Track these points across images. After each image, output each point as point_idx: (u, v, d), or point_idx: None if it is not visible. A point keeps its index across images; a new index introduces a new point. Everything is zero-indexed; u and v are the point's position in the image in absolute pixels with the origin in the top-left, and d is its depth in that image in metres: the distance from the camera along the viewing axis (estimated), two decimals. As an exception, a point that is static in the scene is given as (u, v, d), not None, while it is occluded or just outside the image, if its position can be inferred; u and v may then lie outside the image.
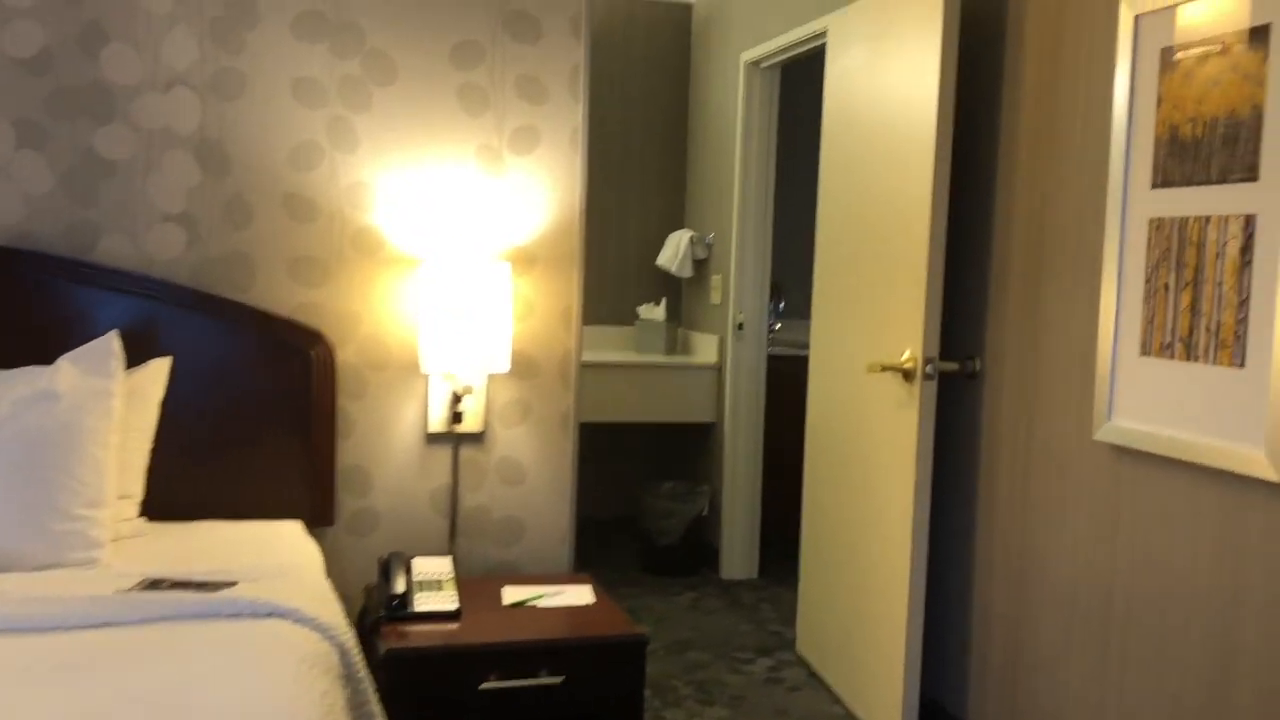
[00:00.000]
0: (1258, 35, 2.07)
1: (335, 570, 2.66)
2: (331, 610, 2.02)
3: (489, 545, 2.76)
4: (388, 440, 2.68)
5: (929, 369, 2.85)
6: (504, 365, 2.57)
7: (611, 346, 5.32)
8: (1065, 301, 2.59)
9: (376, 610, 2.42)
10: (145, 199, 2.52)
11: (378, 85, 2.61)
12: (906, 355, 2.90)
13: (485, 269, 2.54)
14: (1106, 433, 2.43)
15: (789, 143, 5.19)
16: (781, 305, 5.49)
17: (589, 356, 4.86)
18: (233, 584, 2.01)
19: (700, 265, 5.04)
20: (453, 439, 2.71)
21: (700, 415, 4.85)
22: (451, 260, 2.55)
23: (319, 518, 2.62)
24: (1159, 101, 2.31)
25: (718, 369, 4.80)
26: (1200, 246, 2.20)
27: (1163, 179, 2.30)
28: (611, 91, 5.25)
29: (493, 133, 2.67)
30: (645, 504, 4.71)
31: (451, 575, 2.52)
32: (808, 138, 4.65)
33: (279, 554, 2.28)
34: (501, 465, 2.74)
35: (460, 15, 2.63)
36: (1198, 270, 2.20)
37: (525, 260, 2.72)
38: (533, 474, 2.76)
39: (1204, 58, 2.19)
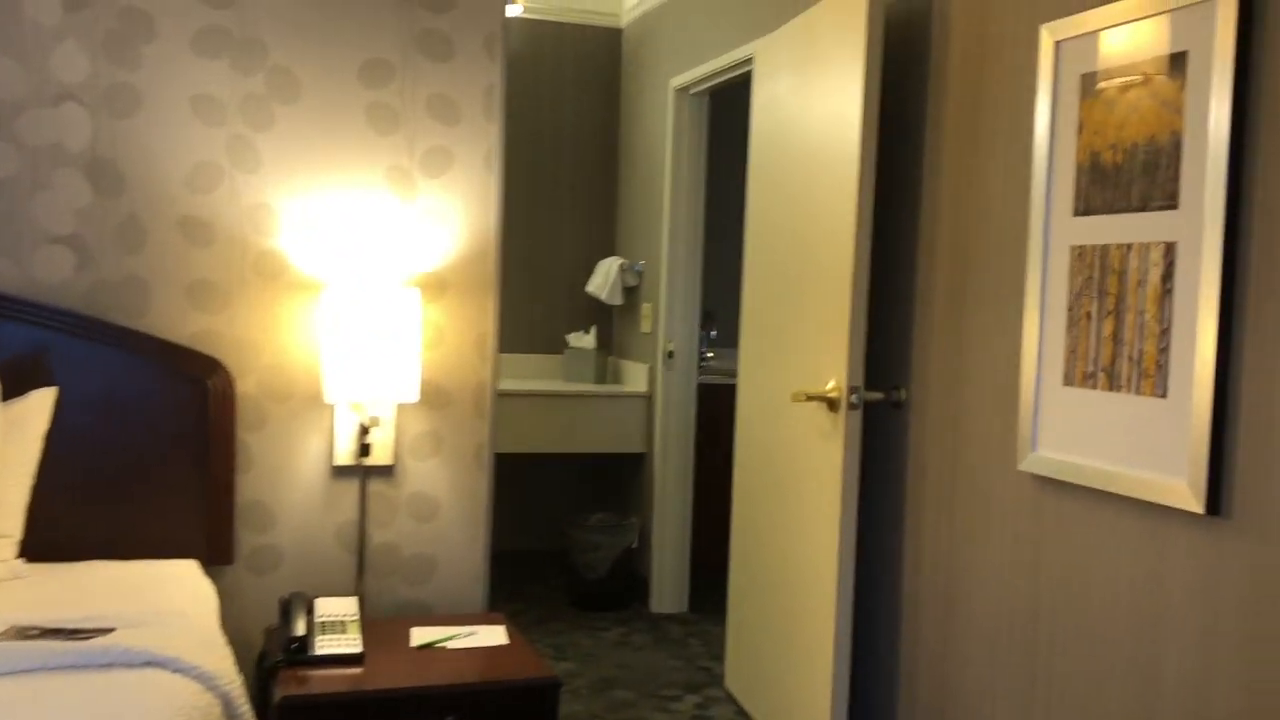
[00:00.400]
0: (1176, 62, 2.05)
1: (234, 611, 2.52)
2: (218, 657, 1.89)
3: (398, 584, 2.64)
4: (291, 474, 2.56)
5: (854, 399, 2.79)
6: (413, 395, 2.46)
7: (540, 375, 5.23)
8: (989, 330, 2.55)
9: (275, 654, 2.29)
10: (31, 220, 2.38)
11: (282, 103, 2.51)
12: (831, 384, 2.84)
13: (393, 295, 2.44)
14: (1030, 463, 2.38)
15: (721, 169, 5.15)
16: (713, 333, 5.43)
17: (516, 385, 4.75)
18: (110, 630, 1.88)
19: (631, 293, 4.97)
20: (360, 472, 2.59)
21: (630, 445, 4.77)
22: (358, 285, 2.44)
23: (217, 556, 2.48)
24: (1080, 128, 2.28)
25: (648, 398, 4.73)
26: (1122, 274, 2.17)
27: (1084, 206, 2.27)
28: (541, 115, 5.18)
29: (403, 153, 2.58)
30: (573, 536, 4.61)
31: (356, 616, 2.39)
32: (739, 164, 4.62)
33: (167, 596, 2.15)
34: (412, 500, 2.63)
35: (369, 32, 2.54)
36: (1120, 299, 2.17)
37: (437, 286, 2.62)
38: (445, 509, 2.65)
39: (1124, 84, 2.17)
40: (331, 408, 2.57)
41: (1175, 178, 2.04)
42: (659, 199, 4.66)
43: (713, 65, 4.14)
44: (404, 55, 2.56)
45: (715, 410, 4.69)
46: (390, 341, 2.43)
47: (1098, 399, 2.22)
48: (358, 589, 2.59)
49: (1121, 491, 2.13)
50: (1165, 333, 2.06)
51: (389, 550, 2.62)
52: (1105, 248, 2.21)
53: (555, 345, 5.22)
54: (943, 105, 2.73)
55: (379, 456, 2.59)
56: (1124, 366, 2.15)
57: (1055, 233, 2.35)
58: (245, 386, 2.52)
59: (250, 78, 2.48)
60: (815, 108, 3.01)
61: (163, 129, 2.44)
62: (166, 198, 2.45)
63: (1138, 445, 2.12)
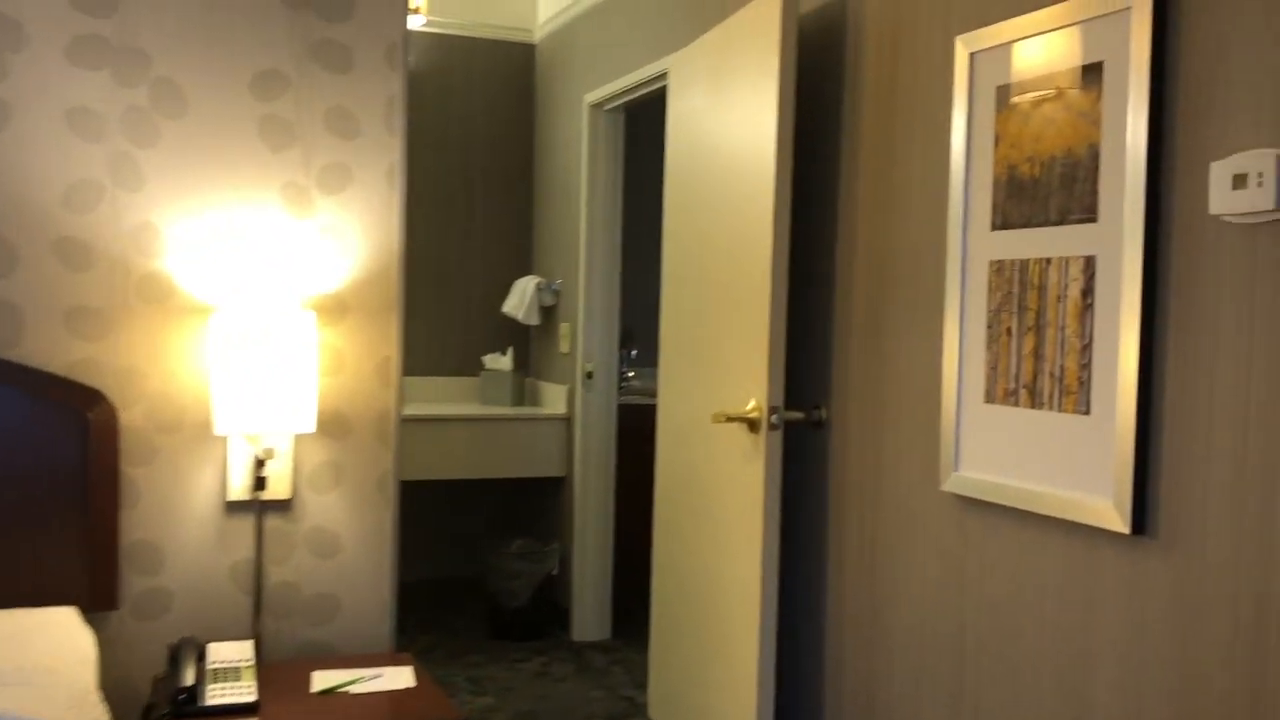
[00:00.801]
0: (1091, 73, 2.01)
1: (118, 661, 2.35)
2: (89, 717, 1.73)
3: (299, 625, 2.49)
4: (181, 511, 2.40)
5: (774, 419, 2.72)
6: (309, 424, 2.33)
7: (455, 399, 5.08)
8: (909, 348, 2.50)
9: (162, 706, 2.13)
10: (-112, 242, 2.20)
11: (167, 117, 2.36)
12: (751, 405, 2.77)
13: (288, 318, 2.30)
14: (953, 483, 2.33)
15: (640, 186, 5.07)
16: (634, 353, 5.34)
17: (430, 410, 4.61)
18: (-33, 691, 1.71)
19: (548, 312, 4.86)
20: (256, 507, 2.44)
21: (549, 469, 4.65)
22: (250, 309, 2.30)
23: (99, 601, 2.31)
24: (996, 141, 2.24)
25: (567, 420, 4.61)
26: (1042, 289, 2.12)
27: (1002, 220, 2.22)
28: (454, 132, 5.06)
29: (299, 169, 2.44)
30: (492, 564, 4.47)
31: (252, 662, 2.24)
32: (658, 180, 4.54)
33: (35, 650, 1.97)
34: (312, 535, 2.48)
35: (261, 42, 2.41)
36: (1040, 314, 2.12)
37: (336, 309, 2.48)
38: (348, 544, 2.51)
39: (1040, 97, 2.13)
40: (224, 439, 2.42)
41: (1094, 190, 2.00)
42: (575, 217, 4.56)
43: (627, 80, 4.07)
44: (299, 66, 2.43)
45: (636, 431, 4.60)
46: (285, 368, 2.29)
47: (1020, 417, 2.17)
48: (254, 632, 2.43)
49: (1046, 511, 2.08)
50: (1087, 348, 2.02)
51: (288, 589, 2.47)
52: (1024, 262, 2.16)
53: (471, 367, 5.09)
54: (859, 118, 2.68)
55: (276, 490, 2.44)
56: (1045, 383, 2.11)
57: (973, 247, 2.30)
58: (130, 418, 2.36)
59: (132, 90, 2.33)
60: (730, 122, 2.94)
61: (35, 144, 2.27)
62: (40, 218, 2.28)
63: (1061, 464, 2.07)
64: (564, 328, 4.67)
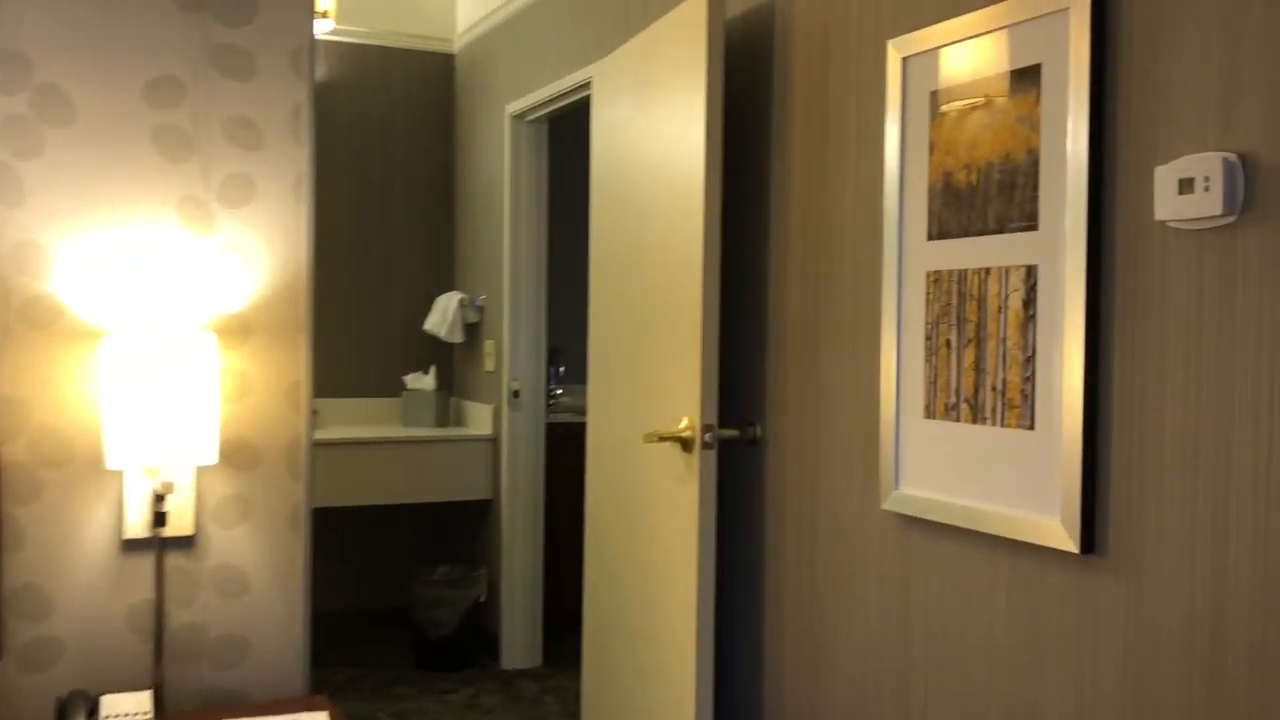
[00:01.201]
0: (1029, 76, 1.94)
1: (1, 717, 2.16)
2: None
3: (205, 670, 2.31)
4: (71, 551, 2.21)
5: (708, 438, 2.62)
6: (211, 455, 2.16)
7: (376, 420, 4.91)
8: (845, 362, 2.41)
9: (51, 767, 1.95)
10: None
11: (52, 126, 2.19)
12: (684, 423, 2.66)
13: (187, 342, 2.14)
14: (894, 502, 2.24)
15: (565, 198, 4.96)
16: (561, 369, 5.22)
17: (350, 433, 4.44)
18: None
19: (472, 329, 4.71)
20: (156, 545, 2.26)
21: (475, 492, 4.49)
22: (146, 332, 2.14)
23: (-19, 653, 2.12)
24: (931, 148, 2.17)
25: (493, 441, 4.47)
26: (981, 301, 2.05)
27: (939, 230, 2.15)
28: (371, 145, 4.90)
29: (198, 182, 2.28)
30: (417, 592, 4.30)
31: (150, 713, 2.07)
32: (584, 193, 4.44)
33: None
34: (218, 574, 2.32)
35: (155, 46, 2.25)
36: (980, 326, 2.05)
37: (240, 330, 2.32)
38: (257, 582, 2.34)
39: (974, 101, 2.06)
40: (119, 473, 2.24)
41: (1034, 197, 1.94)
42: (499, 230, 4.43)
43: (550, 90, 3.95)
44: (196, 72, 2.27)
45: (566, 451, 4.47)
46: (185, 395, 2.13)
47: (961, 432, 2.09)
48: (155, 680, 2.25)
49: (992, 530, 2.00)
50: (1029, 360, 1.95)
51: (192, 632, 2.30)
52: (963, 272, 2.09)
53: (392, 388, 4.92)
54: (790, 127, 2.60)
55: (177, 526, 2.27)
56: (987, 397, 2.03)
57: (910, 258, 2.22)
58: (13, 452, 2.17)
59: (12, 97, 2.16)
60: (657, 132, 2.85)
61: (-97, 156, 2.09)
62: (-91, 236, 2.09)
63: (1006, 481, 1.99)
64: (489, 345, 4.53)
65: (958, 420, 2.10)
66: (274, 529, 2.35)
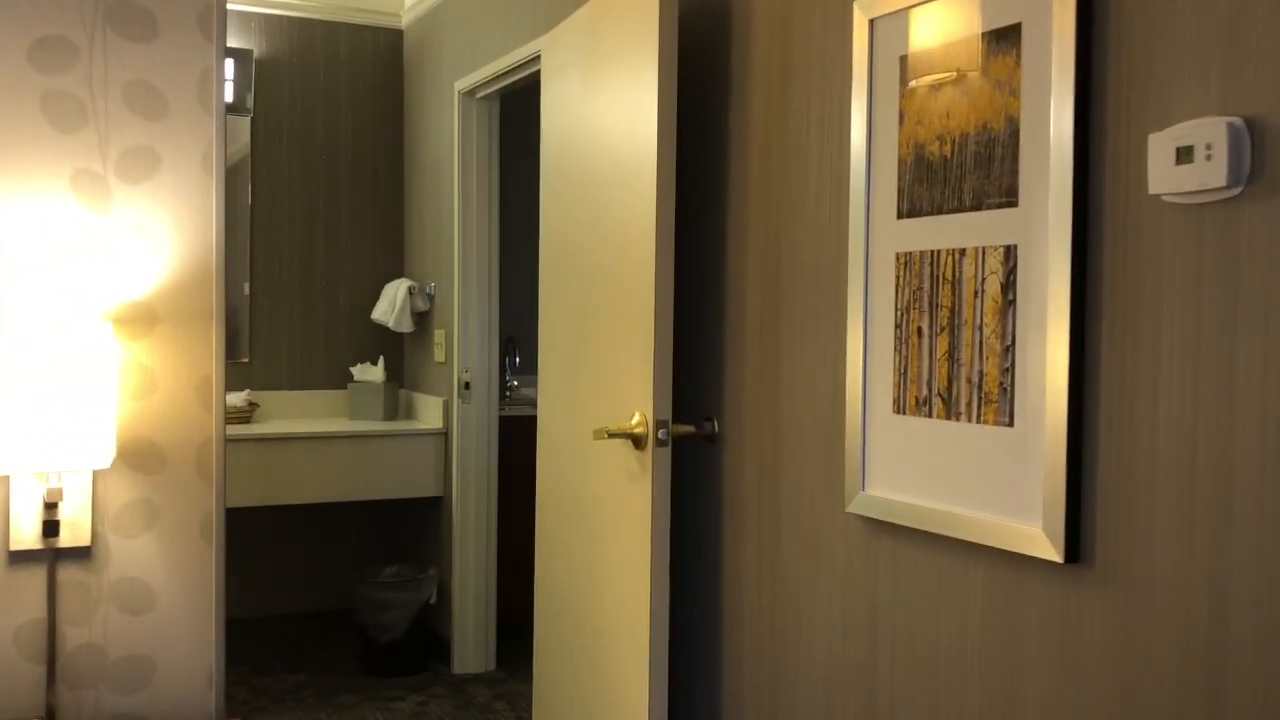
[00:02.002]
0: (1007, 37, 1.76)
1: (-126, 750, 1.95)
2: None
3: (104, 694, 2.10)
4: (-47, 565, 2.00)
5: (661, 434, 2.43)
6: (108, 457, 1.95)
7: (321, 413, 4.68)
8: (809, 352, 2.23)
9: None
10: None
11: (-75, 91, 1.96)
12: (636, 419, 2.47)
13: (82, 333, 1.92)
14: (860, 504, 2.06)
15: (519, 180, 4.75)
16: (517, 360, 5.01)
17: (292, 427, 4.22)
18: None
19: (422, 318, 4.50)
20: (48, 557, 2.05)
21: (424, 489, 4.28)
22: (34, 322, 1.92)
23: None
24: (901, 118, 1.98)
25: (444, 435, 4.26)
26: (956, 284, 1.87)
27: (910, 207, 1.97)
28: (315, 125, 4.66)
29: (94, 155, 2.06)
30: (363, 594, 4.09)
31: (38, 746, 1.86)
32: (538, 174, 4.24)
33: None
34: (120, 588, 2.10)
35: (41, 3, 2.02)
36: (954, 312, 1.87)
37: (143, 320, 2.11)
38: (164, 596, 2.13)
39: (948, 66, 1.88)
40: (4, 479, 2.03)
41: (1013, 170, 1.76)
42: (448, 214, 4.22)
43: (499, 65, 3.74)
44: (90, 32, 2.05)
45: (521, 445, 4.27)
46: (79, 392, 1.91)
47: (934, 429, 1.91)
48: (47, 706, 2.04)
49: (966, 536, 1.83)
50: (1008, 350, 1.77)
51: (90, 653, 2.09)
52: (935, 254, 1.91)
53: (338, 379, 4.69)
54: (749, 99, 2.41)
55: (71, 536, 2.06)
56: (963, 391, 1.86)
57: (877, 239, 2.04)
58: (-114, 455, 1.95)
59: (-120, 59, 1.93)
60: (607, 109, 2.65)
61: None
62: None
63: (983, 483, 1.82)
64: (439, 335, 4.32)
65: (930, 416, 1.92)
66: (183, 537, 2.14)
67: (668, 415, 2.44)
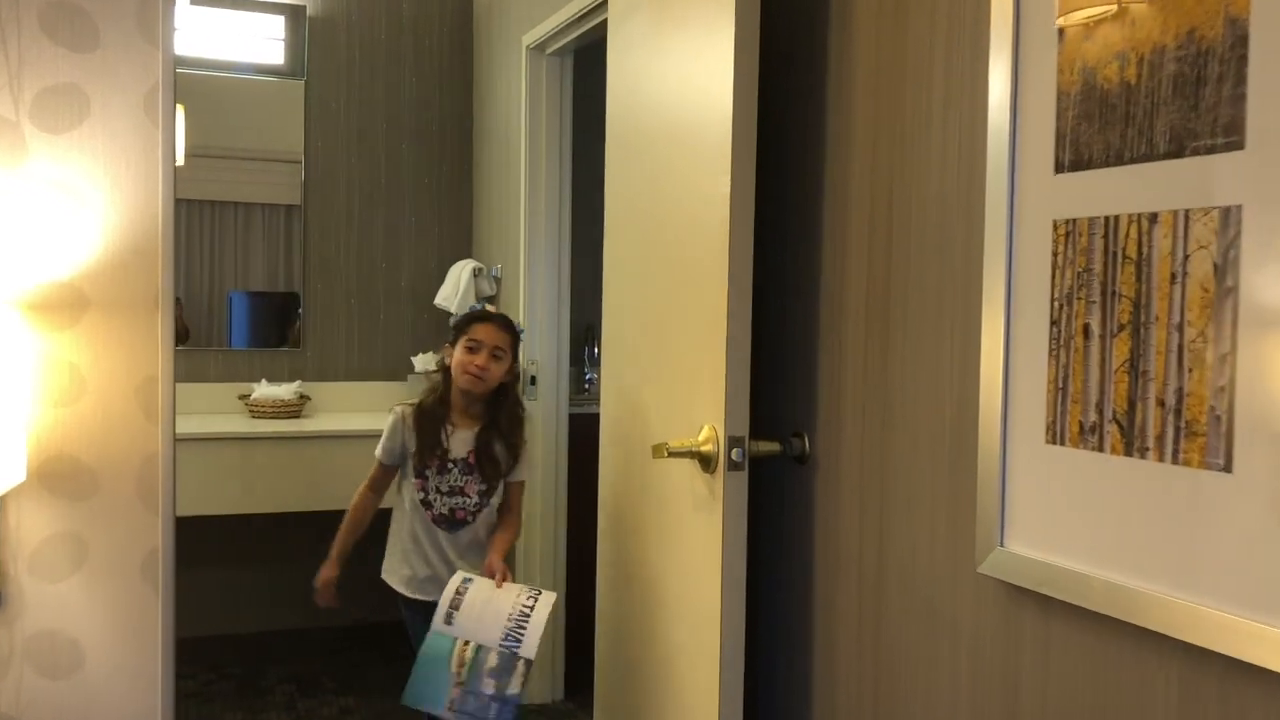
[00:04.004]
0: (1236, -107, 1.19)
1: None
2: None
3: (21, 775, 1.68)
4: None
5: (735, 454, 1.91)
6: (14, 478, 1.52)
7: (379, 407, 4.27)
8: (928, 356, 1.68)
9: None
10: None
11: None
12: (705, 434, 1.96)
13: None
14: (997, 565, 1.51)
15: (597, 149, 4.25)
16: (596, 351, 4.53)
17: (345, 423, 3.83)
18: None
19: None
20: (-48, 602, 1.64)
21: (487, 494, 3.83)
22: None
23: None
24: (1061, 33, 1.42)
25: (509, 434, 3.80)
26: (1143, 264, 1.30)
27: (1074, 157, 1.40)
28: (377, 90, 4.24)
29: (3, 96, 1.63)
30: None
31: None
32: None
33: None
34: (37, 644, 1.68)
35: (-60, -98, 1.60)
36: (1141, 305, 1.30)
37: (68, 305, 1.67)
38: (95, 655, 1.70)
39: (1138, -52, 1.31)
40: (-105, 503, 1.62)
41: (1239, 98, 1.18)
42: (515, 187, 3.75)
43: (569, 10, 3.24)
44: (3, -60, 1.62)
45: (594, 446, 3.79)
46: (-29, 397, 1.49)
47: (1106, 469, 1.35)
48: (-54, 790, 1.63)
49: (1154, 626, 1.27)
50: (1224, 361, 1.20)
51: (3, 723, 1.67)
52: (1113, 220, 1.34)
53: (399, 369, 4.29)
54: (851, 16, 1.86)
55: (-23, 578, 1.64)
56: (1152, 417, 1.29)
57: (1026, 200, 1.48)
58: None
59: None
60: (678, 65, 2.13)
61: None
62: None
63: (1181, 550, 1.25)
64: (505, 322, 3.86)
65: (1100, 450, 1.36)
66: (120, 580, 1.70)
67: (744, 431, 1.92)
